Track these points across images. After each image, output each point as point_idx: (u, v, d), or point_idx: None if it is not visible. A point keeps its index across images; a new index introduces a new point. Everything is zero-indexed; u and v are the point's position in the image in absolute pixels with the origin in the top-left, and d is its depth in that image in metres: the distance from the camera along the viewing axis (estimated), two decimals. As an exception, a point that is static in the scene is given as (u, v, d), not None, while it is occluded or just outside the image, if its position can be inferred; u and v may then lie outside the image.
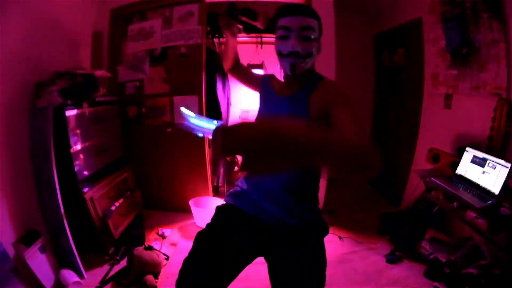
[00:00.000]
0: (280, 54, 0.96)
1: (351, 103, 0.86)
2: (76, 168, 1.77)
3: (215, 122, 0.84)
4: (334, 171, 0.58)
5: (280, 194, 1.02)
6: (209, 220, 1.09)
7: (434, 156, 2.12)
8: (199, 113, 2.40)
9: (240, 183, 1.14)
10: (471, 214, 1.60)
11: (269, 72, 3.42)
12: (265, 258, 1.07)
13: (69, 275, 1.66)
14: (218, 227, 1.04)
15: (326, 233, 1.06)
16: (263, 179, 1.03)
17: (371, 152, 0.57)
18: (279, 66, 1.03)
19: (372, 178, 0.59)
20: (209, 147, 2.68)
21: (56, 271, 1.68)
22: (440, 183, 1.82)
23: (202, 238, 1.01)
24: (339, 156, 0.52)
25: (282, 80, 1.10)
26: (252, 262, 1.04)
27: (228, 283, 0.97)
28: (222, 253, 0.96)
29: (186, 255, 0.99)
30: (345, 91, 0.91)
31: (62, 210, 1.67)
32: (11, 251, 1.45)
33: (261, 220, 1.03)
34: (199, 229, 1.07)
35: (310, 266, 0.99)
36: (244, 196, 1.08)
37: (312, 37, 0.93)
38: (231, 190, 1.15)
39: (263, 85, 1.16)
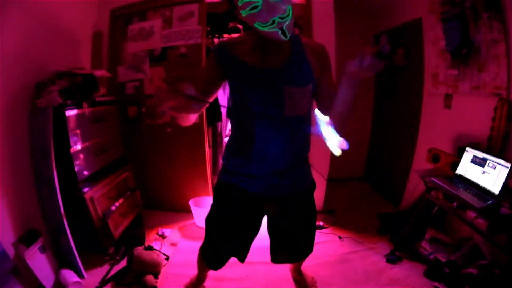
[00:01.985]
0: (261, 26, 0.88)
1: (331, 65, 1.08)
2: (76, 168, 1.77)
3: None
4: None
5: (288, 166, 1.11)
6: None
7: (434, 156, 2.12)
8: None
9: (236, 161, 1.12)
10: (471, 214, 1.60)
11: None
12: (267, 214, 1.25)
13: (69, 275, 1.66)
14: (223, 209, 1.19)
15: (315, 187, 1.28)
16: (269, 156, 1.07)
17: None
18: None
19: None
20: (209, 147, 2.67)
21: (56, 271, 1.69)
22: (440, 183, 1.82)
23: (212, 221, 1.23)
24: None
25: (248, 46, 1.01)
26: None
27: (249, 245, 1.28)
28: (233, 229, 1.20)
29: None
30: (328, 53, 1.07)
31: (62, 210, 1.67)
32: (11, 251, 1.46)
33: (264, 195, 1.13)
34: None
35: (306, 214, 1.26)
36: (245, 175, 1.11)
37: None
38: (227, 167, 1.16)
39: (225, 60, 1.01)
